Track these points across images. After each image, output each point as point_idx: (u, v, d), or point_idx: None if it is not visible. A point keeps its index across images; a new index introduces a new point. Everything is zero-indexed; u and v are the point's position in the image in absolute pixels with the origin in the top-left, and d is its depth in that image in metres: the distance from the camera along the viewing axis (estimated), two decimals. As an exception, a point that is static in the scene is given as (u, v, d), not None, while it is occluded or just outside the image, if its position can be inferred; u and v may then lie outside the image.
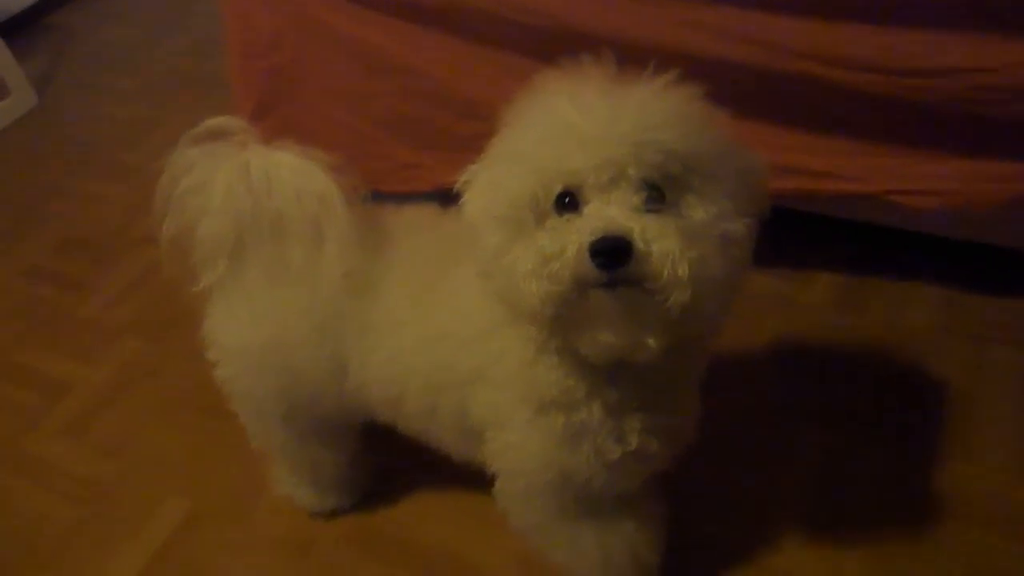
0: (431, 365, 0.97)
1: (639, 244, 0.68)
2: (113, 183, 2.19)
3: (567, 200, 0.73)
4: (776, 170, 1.34)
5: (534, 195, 0.74)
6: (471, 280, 0.87)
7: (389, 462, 1.35)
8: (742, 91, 1.28)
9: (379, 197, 1.06)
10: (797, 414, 1.36)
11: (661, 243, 0.69)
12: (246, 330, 1.06)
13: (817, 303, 1.54)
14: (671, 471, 1.01)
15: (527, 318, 0.78)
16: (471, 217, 0.81)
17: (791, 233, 1.59)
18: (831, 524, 1.22)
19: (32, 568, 1.36)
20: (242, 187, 0.96)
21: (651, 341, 0.74)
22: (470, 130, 1.41)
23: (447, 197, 0.89)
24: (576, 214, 0.73)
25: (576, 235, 0.70)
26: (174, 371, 1.63)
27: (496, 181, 0.78)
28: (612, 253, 0.68)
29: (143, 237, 1.94)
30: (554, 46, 1.31)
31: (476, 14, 1.32)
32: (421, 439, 1.08)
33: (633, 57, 1.25)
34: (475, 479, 1.03)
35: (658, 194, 0.72)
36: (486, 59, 1.37)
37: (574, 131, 0.72)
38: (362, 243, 0.97)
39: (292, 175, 0.95)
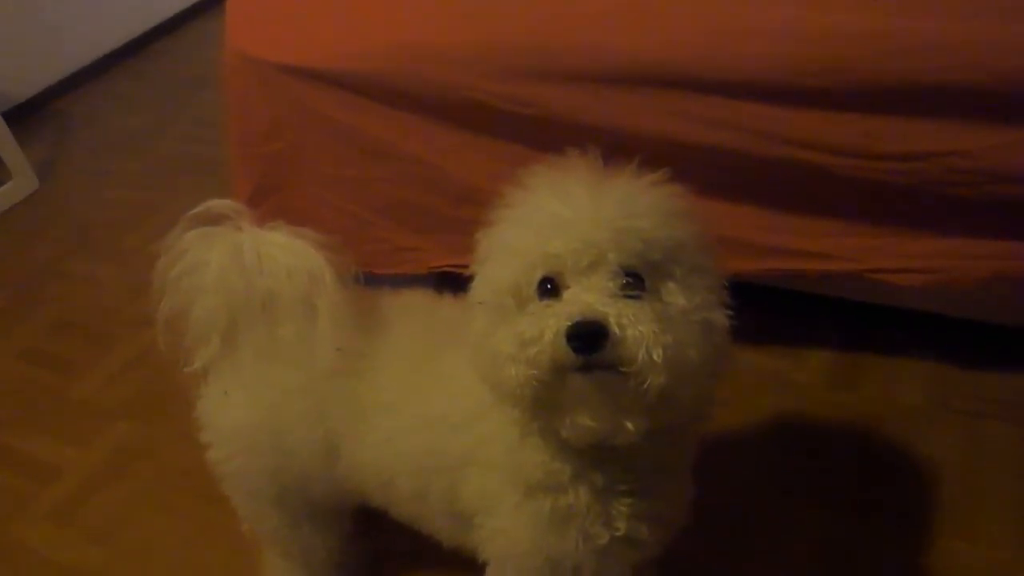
0: (422, 448, 0.97)
1: (614, 328, 0.69)
2: (110, 265, 2.21)
3: (548, 286, 0.75)
4: (766, 251, 1.37)
5: (516, 281, 0.75)
6: (462, 364, 0.88)
7: (381, 548, 1.33)
8: (730, 176, 1.32)
9: (374, 280, 1.08)
10: (793, 494, 1.35)
11: (636, 328, 0.70)
12: (239, 411, 1.06)
13: (810, 381, 1.54)
14: (663, 555, 1.00)
15: (508, 400, 0.79)
16: (469, 303, 0.83)
17: (783, 311, 1.60)
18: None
19: (14, 662, 1.33)
20: (235, 266, 0.97)
21: (629, 425, 0.75)
22: (466, 215, 1.44)
23: (442, 281, 0.91)
24: (556, 299, 0.74)
25: (554, 320, 0.71)
26: (167, 454, 1.62)
27: (482, 270, 0.81)
28: (588, 337, 0.69)
29: (138, 319, 1.94)
30: (546, 134, 1.36)
31: (470, 105, 1.36)
32: (412, 524, 1.07)
33: (623, 145, 1.29)
34: (467, 566, 1.02)
35: (638, 281, 0.73)
36: (480, 147, 1.41)
37: (555, 218, 0.75)
38: (355, 320, 0.98)
39: (283, 253, 0.97)
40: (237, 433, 1.07)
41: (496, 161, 1.40)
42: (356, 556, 1.28)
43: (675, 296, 0.74)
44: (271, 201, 1.56)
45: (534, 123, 1.34)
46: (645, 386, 0.70)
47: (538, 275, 0.75)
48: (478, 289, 0.80)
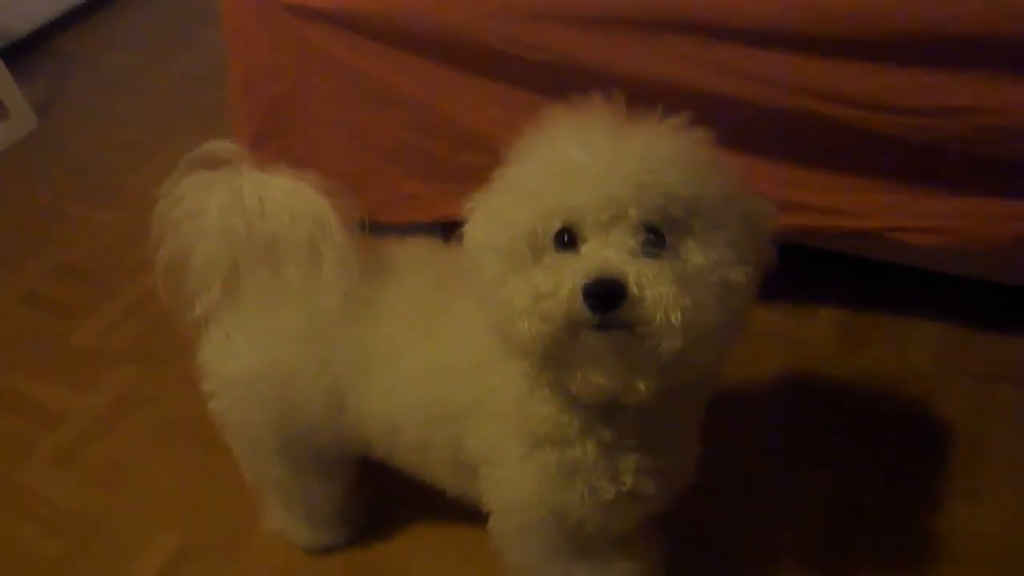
0: (428, 398, 0.96)
1: (633, 288, 0.68)
2: (111, 209, 2.18)
3: (566, 238, 0.73)
4: (781, 206, 1.33)
5: (533, 230, 0.73)
6: (470, 314, 0.87)
7: (384, 498, 1.32)
8: (744, 127, 1.28)
9: (379, 228, 1.05)
10: (799, 453, 1.34)
11: (655, 288, 0.68)
12: (242, 360, 1.04)
13: (820, 339, 1.52)
14: (669, 512, 0.99)
15: (519, 353, 0.78)
16: (470, 246, 0.81)
17: (793, 269, 1.56)
18: (833, 563, 1.20)
19: (18, 604, 1.34)
20: (235, 211, 0.95)
21: (641, 385, 0.74)
22: (471, 162, 1.41)
23: (448, 229, 0.88)
24: (573, 252, 0.72)
25: (570, 275, 0.69)
26: (169, 400, 1.61)
27: (497, 213, 0.78)
28: (605, 295, 0.68)
29: (140, 264, 1.90)
30: (557, 81, 1.32)
31: (480, 49, 1.31)
32: (417, 474, 1.07)
33: (636, 93, 1.25)
34: (471, 516, 1.01)
35: (658, 237, 0.71)
36: (489, 93, 1.36)
37: (577, 168, 0.72)
38: (360, 265, 0.96)
39: (285, 197, 0.95)
40: (240, 383, 1.06)
41: (503, 107, 1.36)
42: (359, 505, 1.29)
43: (694, 254, 0.72)
44: (273, 145, 1.53)
45: (544, 68, 1.29)
46: (660, 348, 0.69)
47: (556, 225, 0.73)
48: (492, 234, 0.77)
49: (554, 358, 0.74)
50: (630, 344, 0.70)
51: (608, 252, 0.70)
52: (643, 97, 1.28)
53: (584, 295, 0.68)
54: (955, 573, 1.16)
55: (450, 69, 1.37)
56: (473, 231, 0.82)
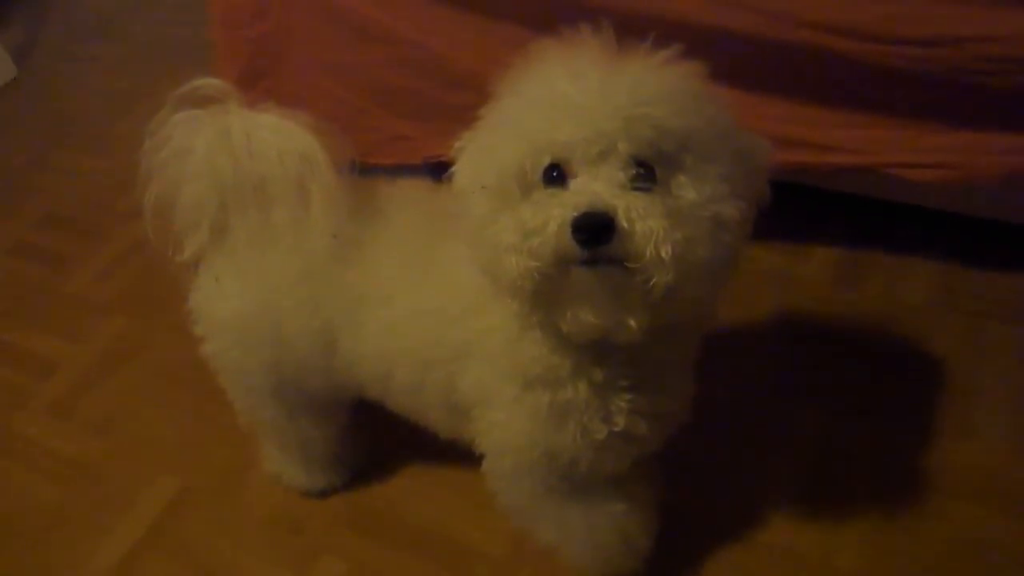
0: (420, 340, 0.95)
1: (622, 222, 0.67)
2: (97, 156, 2.14)
3: (555, 173, 0.72)
4: (775, 142, 1.31)
5: (521, 165, 0.72)
6: (460, 255, 0.86)
7: (380, 440, 1.33)
8: (740, 61, 1.25)
9: (369, 170, 1.04)
10: (793, 390, 1.35)
11: (645, 222, 0.67)
12: (233, 302, 1.04)
13: (814, 278, 1.52)
14: (663, 451, 0.99)
15: (508, 292, 0.77)
16: (459, 186, 0.80)
17: (788, 206, 1.55)
18: (826, 500, 1.22)
19: (20, 549, 1.35)
20: (222, 150, 0.94)
21: (632, 322, 0.73)
22: (462, 101, 1.37)
23: (437, 170, 0.87)
24: (562, 188, 0.71)
25: (559, 209, 0.68)
26: (162, 348, 1.61)
27: (485, 150, 0.77)
28: (594, 230, 0.67)
29: (129, 211, 1.88)
30: (549, 16, 1.27)
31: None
32: (409, 416, 1.07)
33: (630, 27, 1.22)
34: (467, 458, 1.02)
35: (648, 172, 0.70)
36: (480, 28, 1.33)
37: (565, 101, 0.71)
38: (350, 205, 0.95)
39: (273, 136, 0.93)
40: (231, 325, 1.05)
41: (493, 44, 1.32)
42: (355, 449, 1.29)
43: (686, 189, 0.71)
44: (259, 87, 1.49)
45: (535, 4, 1.26)
46: (651, 283, 0.68)
47: (545, 161, 0.72)
48: (480, 170, 0.76)
49: (543, 296, 0.73)
50: (620, 279, 0.69)
51: (597, 186, 0.69)
52: (638, 30, 1.26)
53: (572, 229, 0.67)
54: (946, 507, 1.18)
55: (439, 4, 1.33)
56: (462, 170, 0.80)
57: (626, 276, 0.69)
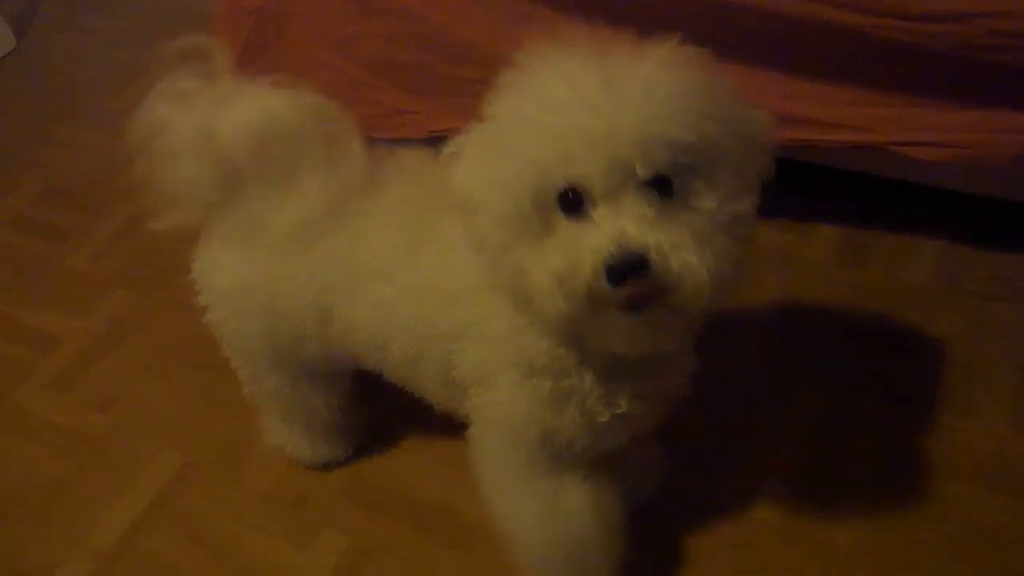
0: (415, 316, 0.95)
1: (655, 259, 0.67)
2: (97, 130, 2.13)
3: (571, 196, 0.70)
4: (780, 119, 1.30)
5: (536, 194, 0.70)
6: (457, 235, 0.84)
7: (383, 415, 1.33)
8: (744, 35, 1.24)
9: (372, 144, 1.03)
10: (793, 369, 1.35)
11: (678, 255, 0.67)
12: (233, 272, 1.04)
13: (817, 256, 1.51)
14: (661, 428, 0.99)
15: (539, 324, 0.79)
16: (465, 196, 0.76)
17: (792, 184, 1.55)
18: (826, 479, 1.22)
19: (23, 521, 1.35)
20: (206, 134, 0.93)
21: (667, 345, 0.79)
22: (466, 75, 1.37)
23: (439, 144, 0.86)
24: (583, 217, 0.70)
25: (590, 254, 0.68)
26: (164, 323, 1.60)
27: (493, 177, 0.73)
28: (629, 272, 0.67)
29: (129, 186, 1.88)
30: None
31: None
32: (406, 387, 1.07)
33: (635, 4, 1.21)
34: (466, 431, 1.01)
35: (666, 186, 0.69)
36: (483, 1, 1.31)
37: (574, 130, 0.68)
38: (344, 176, 0.95)
39: (257, 116, 0.92)
40: (231, 294, 1.06)
41: (497, 16, 1.31)
42: (357, 422, 1.29)
43: (703, 196, 0.70)
44: (260, 60, 1.48)
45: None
46: (691, 314, 0.71)
47: (560, 186, 0.70)
48: (493, 201, 0.73)
49: (576, 331, 0.76)
50: (658, 316, 0.70)
51: (623, 222, 0.67)
52: (641, 5, 1.24)
53: (608, 275, 0.67)
54: (946, 486, 1.18)
55: (442, -23, 1.32)
56: (466, 182, 0.77)
57: (663, 311, 0.70)
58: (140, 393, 1.50)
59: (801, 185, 1.55)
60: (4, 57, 2.49)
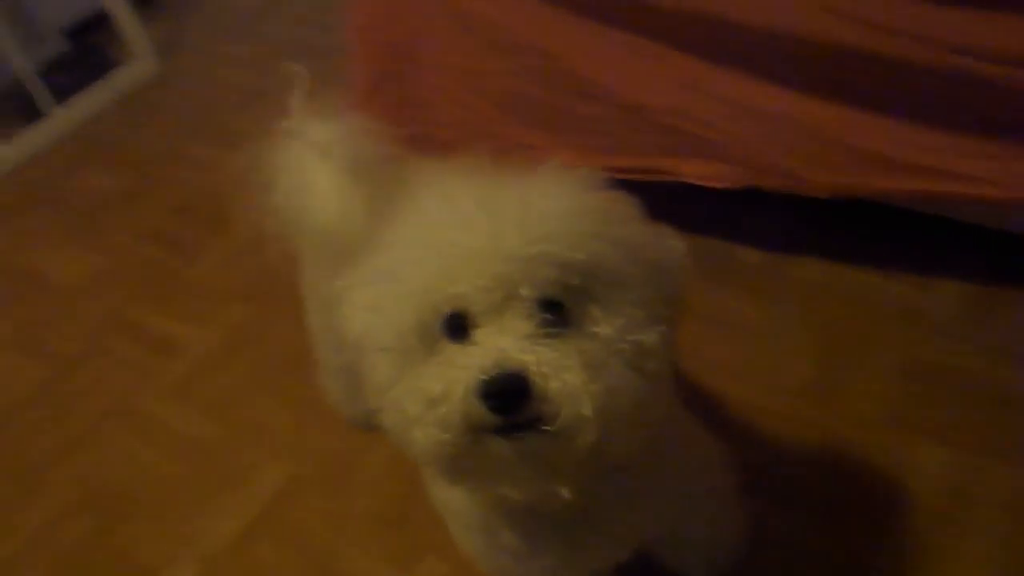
0: None
1: (536, 380, 0.60)
2: (227, 149, 2.22)
3: (457, 322, 0.65)
4: (906, 169, 1.27)
5: (419, 320, 0.65)
6: None
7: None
8: (876, 84, 1.21)
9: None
10: (916, 430, 1.28)
11: (560, 378, 0.60)
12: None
13: (941, 313, 1.44)
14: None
15: (422, 462, 0.70)
16: (353, 338, 0.73)
17: (916, 236, 1.50)
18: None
19: (138, 519, 1.42)
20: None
21: (563, 490, 0.67)
22: (591, 113, 1.38)
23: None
24: (467, 342, 0.64)
25: (464, 372, 0.61)
26: (279, 338, 1.66)
27: (377, 307, 0.69)
28: (506, 395, 0.60)
29: (254, 204, 1.98)
30: (684, 30, 1.27)
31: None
32: None
33: (763, 45, 1.20)
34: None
35: (557, 312, 0.64)
36: (611, 40, 1.33)
37: (454, 248, 0.64)
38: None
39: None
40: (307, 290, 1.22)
41: (625, 56, 1.32)
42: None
43: (599, 323, 0.64)
44: (389, 90, 1.53)
45: (670, 16, 1.25)
46: (574, 445, 0.62)
47: (444, 312, 0.65)
48: (376, 332, 0.69)
49: (459, 467, 0.66)
50: (542, 445, 0.62)
51: (503, 340, 0.62)
52: (772, 50, 1.23)
53: (482, 395, 0.60)
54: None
55: (571, 15, 1.34)
56: (353, 321, 0.73)
57: (547, 440, 0.62)
58: (253, 404, 1.56)
59: (925, 237, 1.49)
60: (149, 79, 2.65)
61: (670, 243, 0.73)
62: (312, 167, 0.98)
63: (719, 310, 1.48)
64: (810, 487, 1.21)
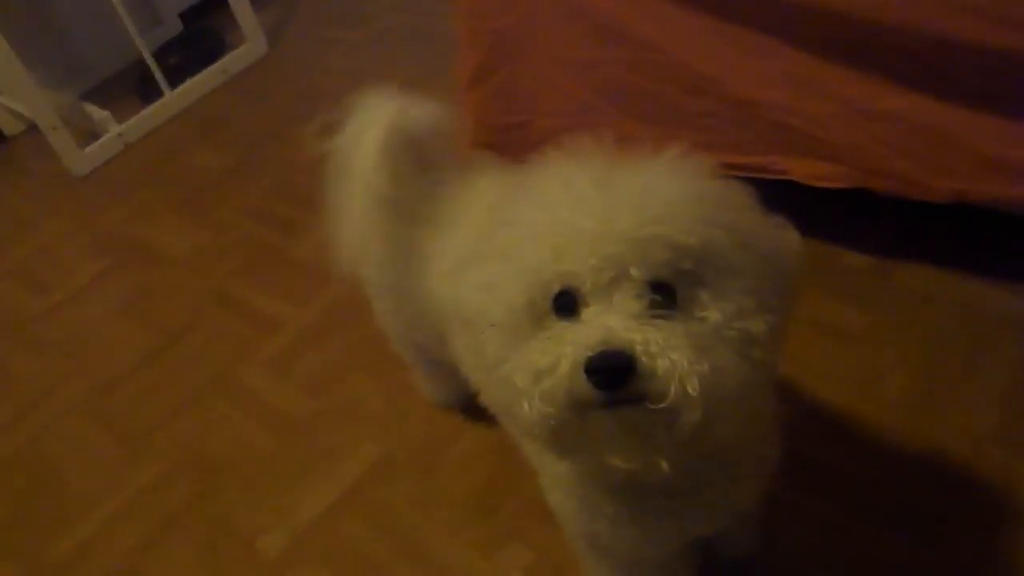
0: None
1: (642, 359, 0.60)
2: (330, 133, 2.29)
3: (566, 300, 0.65)
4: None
5: (530, 298, 0.66)
6: None
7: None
8: (1003, 86, 1.15)
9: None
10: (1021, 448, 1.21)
11: (667, 357, 0.60)
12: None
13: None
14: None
15: (527, 436, 0.72)
16: (469, 316, 0.74)
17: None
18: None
19: (234, 488, 1.47)
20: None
21: (664, 463, 0.67)
22: (699, 108, 1.35)
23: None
24: (575, 319, 0.65)
25: (570, 348, 0.62)
26: (374, 320, 1.69)
27: (489, 284, 0.71)
28: (611, 371, 0.60)
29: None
30: (801, 26, 1.23)
31: (719, -16, 1.25)
32: None
33: (888, 45, 1.14)
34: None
35: (668, 295, 0.64)
36: (724, 34, 1.29)
37: (567, 228, 0.65)
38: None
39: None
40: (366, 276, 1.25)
41: (738, 52, 1.29)
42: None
43: (709, 309, 0.64)
44: (495, 78, 1.53)
45: (788, 11, 1.21)
46: (679, 423, 0.62)
47: (555, 289, 0.66)
48: (487, 308, 0.70)
49: (564, 440, 0.67)
50: (644, 421, 0.63)
51: (611, 319, 0.62)
52: (886, 48, 1.18)
53: (587, 371, 0.60)
54: None
55: (686, 8, 1.31)
56: (468, 301, 0.74)
57: (650, 416, 0.62)
58: (347, 383, 1.59)
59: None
60: (257, 61, 2.74)
61: (785, 234, 0.73)
62: (362, 136, 1.05)
63: (821, 314, 1.43)
64: (901, 499, 1.17)
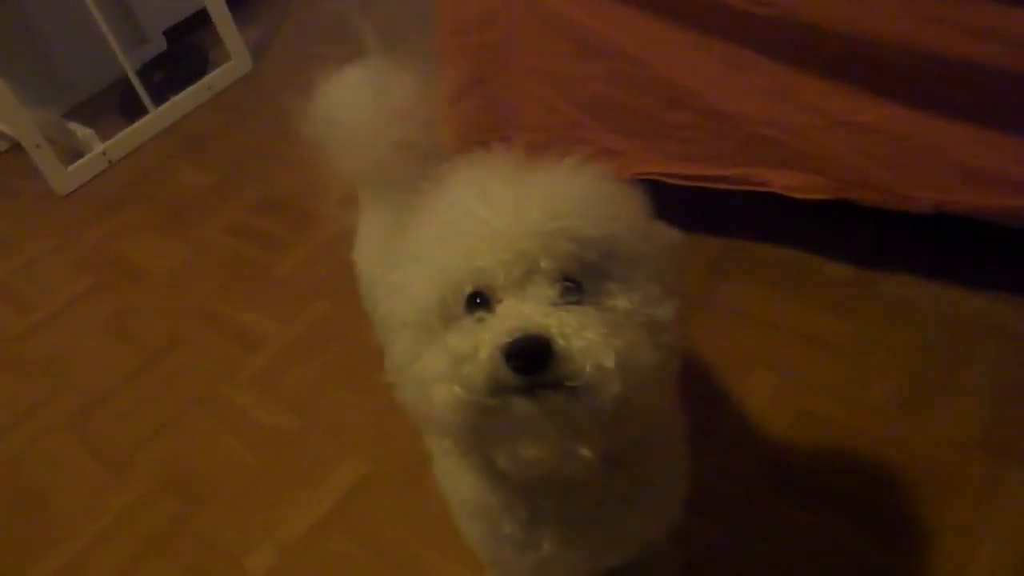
0: None
1: (558, 340, 0.62)
2: (313, 149, 2.29)
3: (478, 300, 0.67)
4: (1016, 187, 1.21)
5: (441, 298, 0.68)
6: None
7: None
8: (986, 99, 1.17)
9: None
10: (1007, 455, 1.22)
11: (582, 336, 0.62)
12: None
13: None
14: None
15: (440, 430, 0.72)
16: (381, 322, 0.76)
17: (1010, 253, 1.44)
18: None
19: (219, 506, 1.46)
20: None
21: (584, 451, 0.67)
22: (677, 121, 1.36)
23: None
24: (489, 313, 0.66)
25: (490, 334, 0.63)
26: (360, 336, 1.67)
27: (402, 286, 0.72)
28: (530, 354, 0.61)
29: (336, 203, 2.02)
30: (779, 39, 1.25)
31: (700, 1, 1.26)
32: None
33: (867, 58, 1.16)
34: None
35: (576, 287, 0.66)
36: (704, 48, 1.31)
37: (479, 227, 0.67)
38: None
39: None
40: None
41: (718, 65, 1.30)
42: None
43: (617, 297, 0.67)
44: (479, 93, 1.54)
45: (767, 25, 1.22)
46: (598, 400, 0.63)
47: (467, 290, 0.67)
48: (398, 309, 0.72)
49: (477, 431, 0.67)
50: (565, 404, 0.63)
51: (526, 307, 0.64)
52: (866, 61, 1.19)
53: (507, 357, 0.62)
54: None
55: (666, 22, 1.32)
56: (382, 306, 0.76)
57: (571, 399, 0.63)
58: (333, 400, 1.58)
59: (1020, 255, 1.42)
60: (241, 78, 2.74)
61: (672, 232, 0.77)
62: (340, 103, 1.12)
63: (804, 323, 1.45)
64: (886, 507, 1.17)
